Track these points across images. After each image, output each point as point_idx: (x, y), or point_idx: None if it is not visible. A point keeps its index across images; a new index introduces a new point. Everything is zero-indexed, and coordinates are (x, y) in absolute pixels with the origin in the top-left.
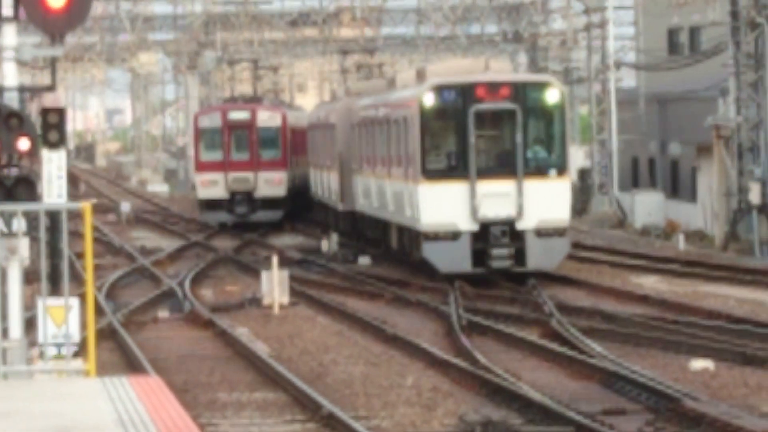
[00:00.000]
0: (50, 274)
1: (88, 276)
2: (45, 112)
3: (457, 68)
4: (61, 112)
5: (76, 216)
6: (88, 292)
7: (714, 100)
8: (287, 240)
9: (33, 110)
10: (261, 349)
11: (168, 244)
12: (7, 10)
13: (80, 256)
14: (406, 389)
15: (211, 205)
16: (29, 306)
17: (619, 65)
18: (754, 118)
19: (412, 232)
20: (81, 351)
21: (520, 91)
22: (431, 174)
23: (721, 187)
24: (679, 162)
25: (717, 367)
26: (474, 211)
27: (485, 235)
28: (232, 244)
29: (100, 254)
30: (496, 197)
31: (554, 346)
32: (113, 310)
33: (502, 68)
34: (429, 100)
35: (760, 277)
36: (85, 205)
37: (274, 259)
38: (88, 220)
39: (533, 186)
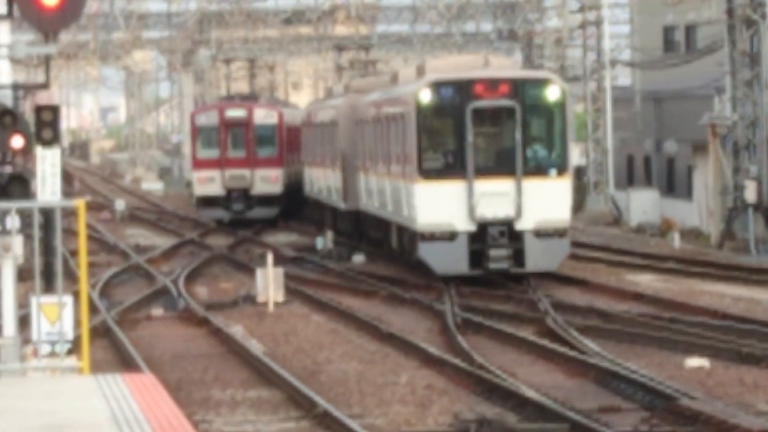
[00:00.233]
0: (44, 272)
1: (82, 273)
2: (39, 109)
3: (458, 64)
4: (55, 110)
5: (70, 214)
6: (81, 289)
7: (709, 98)
8: (282, 238)
9: (27, 108)
10: (255, 346)
11: (162, 241)
12: (1, 8)
13: (74, 253)
14: (401, 387)
15: (207, 202)
16: (23, 303)
17: (614, 63)
18: (749, 116)
19: (409, 232)
20: (75, 348)
21: (519, 87)
22: (428, 173)
23: (716, 185)
24: (674, 160)
25: (712, 365)
26: (471, 210)
27: (483, 236)
28: (227, 241)
29: (94, 252)
30: (495, 197)
31: (549, 344)
32: (107, 308)
33: (504, 64)
34: (426, 96)
35: (755, 275)
36: (79, 203)
37: (269, 257)
38: (82, 217)
39: (533, 185)
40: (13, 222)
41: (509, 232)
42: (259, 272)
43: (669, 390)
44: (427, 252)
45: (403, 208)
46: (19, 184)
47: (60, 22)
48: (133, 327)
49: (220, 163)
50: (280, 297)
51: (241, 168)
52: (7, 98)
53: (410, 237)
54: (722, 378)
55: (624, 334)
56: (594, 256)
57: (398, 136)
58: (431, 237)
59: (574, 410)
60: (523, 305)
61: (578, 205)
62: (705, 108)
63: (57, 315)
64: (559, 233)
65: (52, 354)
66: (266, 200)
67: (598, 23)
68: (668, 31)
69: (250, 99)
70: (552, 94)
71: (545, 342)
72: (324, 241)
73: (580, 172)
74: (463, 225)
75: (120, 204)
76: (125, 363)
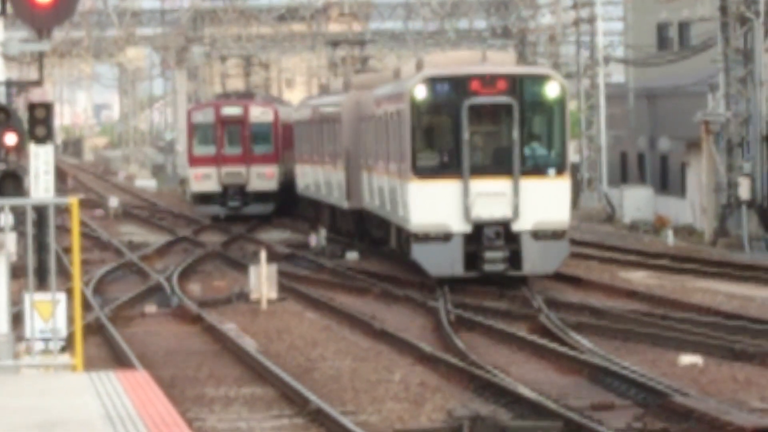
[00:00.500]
0: (37, 269)
1: (75, 271)
2: (32, 107)
3: (457, 59)
4: (48, 107)
5: (63, 211)
6: (75, 286)
7: (703, 95)
8: (275, 235)
9: (20, 105)
10: (249, 344)
11: (156, 239)
12: None
13: (67, 251)
14: (394, 384)
15: (204, 198)
16: (16, 301)
17: (608, 60)
18: (743, 113)
19: (404, 232)
20: (68, 346)
21: (517, 84)
22: (422, 171)
23: (710, 183)
24: (668, 157)
25: (706, 363)
26: (467, 211)
27: (478, 237)
28: (220, 239)
29: (87, 249)
30: (491, 197)
31: (543, 342)
32: (101, 305)
33: (504, 60)
34: (421, 93)
35: (749, 273)
36: (73, 200)
37: (262, 254)
38: (76, 215)
39: (530, 185)
40: (6, 219)
41: (506, 234)
42: (252, 269)
43: (662, 387)
44: (420, 253)
45: (399, 208)
46: (12, 181)
47: (53, 19)
48: (126, 324)
49: (217, 160)
50: (274, 294)
51: (237, 165)
52: (0, 95)
53: (405, 237)
54: (715, 375)
55: (617, 331)
56: (587, 254)
57: (395, 134)
58: (425, 238)
59: (568, 407)
60: (517, 302)
61: (572, 203)
62: (698, 105)
63: (50, 312)
64: (557, 235)
65: (46, 351)
66: (262, 196)
67: (591, 20)
68: (662, 28)
69: (246, 97)
70: (551, 90)
71: (539, 339)
72: (318, 239)
73: (573, 170)
74: (458, 226)
75: (113, 201)
76: (119, 360)
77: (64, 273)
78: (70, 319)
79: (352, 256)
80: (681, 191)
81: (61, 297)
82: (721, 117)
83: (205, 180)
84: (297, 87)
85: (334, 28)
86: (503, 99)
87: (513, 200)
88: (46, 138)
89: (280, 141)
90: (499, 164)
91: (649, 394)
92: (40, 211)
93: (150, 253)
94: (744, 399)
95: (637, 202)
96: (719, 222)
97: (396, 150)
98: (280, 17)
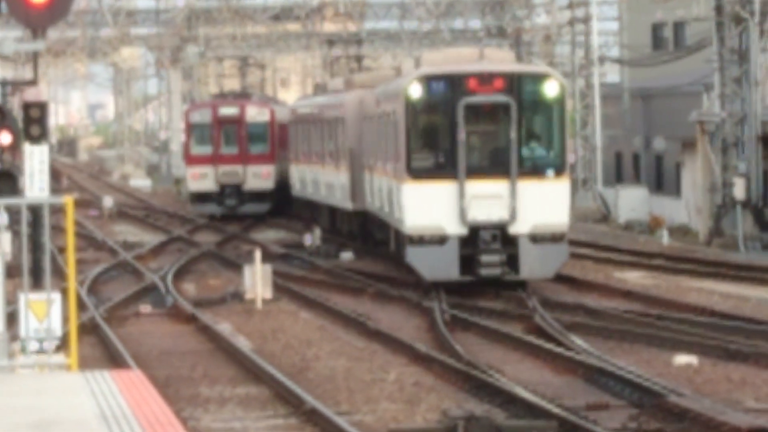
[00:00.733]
0: (32, 269)
1: (70, 270)
2: (27, 106)
3: (455, 57)
4: (43, 107)
5: (58, 210)
6: (70, 286)
7: (698, 95)
8: (270, 235)
9: (15, 104)
10: (243, 343)
11: (150, 238)
12: None
13: (62, 250)
14: (389, 384)
15: (201, 197)
16: (11, 300)
17: (603, 60)
18: (738, 113)
19: (399, 235)
20: (63, 345)
21: (515, 83)
22: (417, 172)
23: (705, 183)
24: (663, 157)
25: (701, 363)
26: (463, 213)
27: (475, 240)
28: (215, 238)
29: (82, 249)
30: (487, 199)
31: (538, 341)
32: (95, 305)
33: (504, 58)
34: (415, 91)
35: (744, 273)
36: (68, 200)
37: (257, 254)
38: (71, 214)
39: (528, 187)
40: (1, 218)
41: (502, 237)
42: (247, 269)
43: (657, 387)
44: (415, 257)
45: (395, 210)
46: (7, 181)
47: (48, 18)
48: (121, 324)
49: (214, 160)
50: (268, 294)
51: (234, 164)
52: None
53: (400, 240)
54: (710, 375)
55: (612, 331)
56: (582, 253)
57: (391, 134)
58: (420, 241)
59: (563, 407)
60: (512, 302)
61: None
62: (693, 105)
63: (45, 312)
64: (556, 238)
65: (41, 351)
66: (258, 196)
67: (586, 20)
68: (657, 28)
69: (242, 97)
70: (550, 89)
71: (533, 339)
72: (312, 238)
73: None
74: (454, 228)
75: (108, 201)
76: (113, 360)
77: (59, 272)
78: (65, 319)
79: (346, 256)
80: (676, 191)
81: (56, 296)
82: (716, 117)
83: (202, 179)
84: (292, 87)
85: (329, 27)
86: (500, 98)
87: (510, 202)
88: (41, 137)
89: (276, 141)
90: (496, 165)
91: (644, 394)
92: (35, 210)
93: (145, 253)
94: (739, 399)
95: (632, 202)
96: (714, 222)
97: (392, 150)
98: (275, 17)
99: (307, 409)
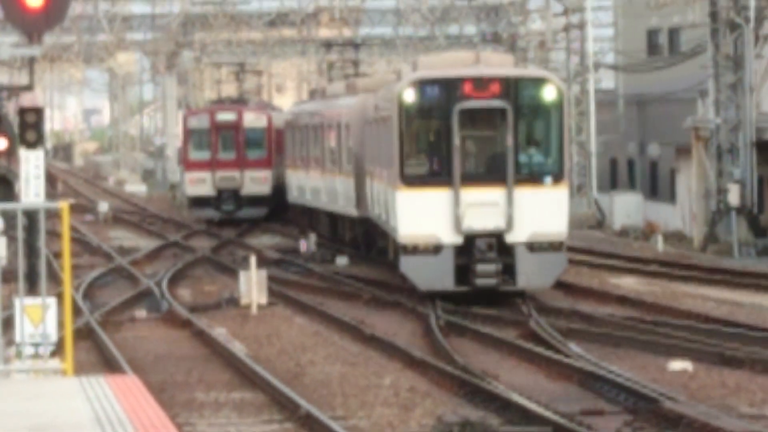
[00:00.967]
0: (28, 274)
1: (66, 275)
2: (23, 111)
3: (452, 60)
4: (39, 112)
5: (53, 216)
6: (65, 291)
7: (693, 101)
8: (265, 240)
9: (11, 110)
10: (239, 348)
11: (146, 243)
12: None
13: (58, 255)
14: (384, 389)
15: (198, 202)
16: (6, 305)
17: (598, 66)
18: (733, 119)
19: (394, 243)
20: (58, 350)
21: (512, 87)
22: (410, 179)
23: (699, 189)
24: (657, 163)
25: (695, 368)
26: (458, 221)
27: (470, 249)
28: (210, 244)
29: (77, 254)
30: (483, 206)
31: (532, 347)
32: (91, 310)
33: (503, 61)
34: (409, 96)
35: (738, 279)
36: (63, 205)
37: (252, 259)
38: (66, 219)
39: (526, 194)
40: None
41: (499, 246)
42: (242, 274)
43: (652, 393)
44: (409, 266)
45: (390, 218)
46: (2, 186)
47: (44, 24)
48: (116, 329)
49: (211, 165)
50: (264, 299)
51: (232, 169)
52: None
53: (395, 249)
54: (705, 381)
55: (607, 337)
56: (577, 259)
57: (386, 139)
58: (414, 250)
59: (557, 413)
60: (507, 308)
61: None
62: (688, 111)
63: (40, 317)
64: (554, 247)
65: (36, 356)
66: (255, 200)
67: (581, 26)
68: (652, 35)
69: (240, 102)
70: (548, 94)
71: (529, 345)
72: (307, 244)
73: None
74: (449, 237)
75: (103, 206)
76: (109, 365)
77: (55, 278)
78: (61, 324)
79: (342, 261)
80: (671, 197)
81: (52, 302)
82: (711, 123)
83: (200, 184)
84: (287, 92)
85: (325, 33)
86: (496, 103)
87: (507, 210)
88: (37, 142)
89: (273, 146)
90: (492, 172)
91: (639, 400)
92: (31, 215)
93: (140, 258)
94: (734, 405)
95: (626, 208)
96: (709, 228)
97: (387, 156)
98: (270, 22)
99: (302, 415)
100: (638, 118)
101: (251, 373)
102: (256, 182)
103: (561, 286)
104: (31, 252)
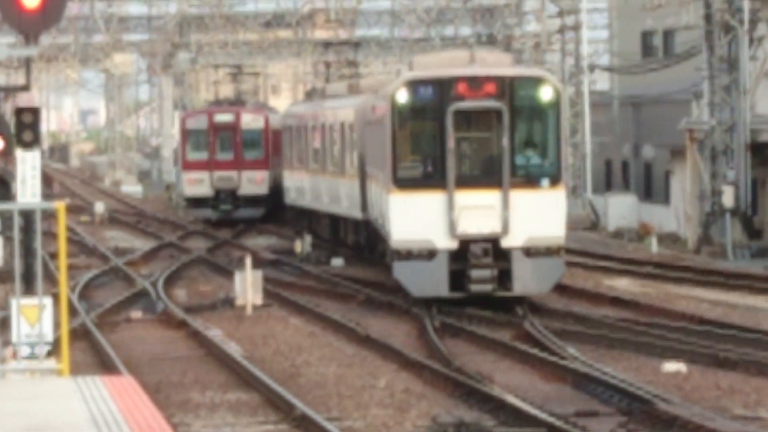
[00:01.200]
0: (24, 274)
1: (62, 276)
2: (19, 111)
3: (448, 60)
4: (35, 112)
5: (49, 216)
6: (61, 291)
7: (688, 103)
8: (261, 241)
9: (7, 110)
10: (234, 349)
11: (141, 244)
12: None
13: (54, 256)
14: (379, 390)
15: (196, 202)
16: (3, 305)
17: (592, 68)
18: (727, 121)
19: (387, 248)
20: (54, 351)
21: (507, 87)
22: (403, 182)
23: (694, 190)
24: (652, 165)
25: (689, 370)
26: (452, 226)
27: (465, 254)
28: (206, 244)
29: (73, 254)
30: (478, 210)
31: (527, 348)
32: (86, 310)
33: (500, 60)
34: (402, 97)
35: (732, 280)
36: (59, 205)
37: (248, 260)
38: (62, 220)
39: (522, 197)
40: None
41: (494, 251)
42: (237, 275)
43: (646, 394)
44: (402, 272)
45: (385, 221)
46: None
47: (41, 24)
48: (112, 329)
49: (209, 165)
50: (259, 300)
51: (229, 170)
52: None
53: (389, 253)
54: (699, 382)
55: (601, 338)
56: (571, 260)
57: (380, 141)
58: (407, 255)
59: (552, 414)
60: (502, 309)
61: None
62: (683, 113)
63: (36, 317)
64: (551, 251)
65: (32, 356)
66: (252, 201)
67: (576, 28)
68: (647, 36)
69: (237, 104)
70: (544, 94)
71: (523, 346)
72: (302, 245)
73: None
74: (443, 242)
75: (99, 207)
76: (104, 365)
77: (51, 278)
78: (56, 324)
79: (337, 262)
80: (665, 199)
81: (48, 302)
82: (706, 125)
83: (198, 184)
84: (282, 93)
85: (321, 34)
86: (491, 103)
87: (502, 214)
88: (33, 143)
89: (270, 147)
90: (487, 174)
91: (632, 401)
92: (27, 216)
93: (136, 259)
94: (727, 406)
95: (621, 209)
96: (703, 230)
97: (380, 159)
98: (267, 23)
99: (298, 415)
100: (633, 119)
101: (246, 373)
102: (253, 183)
103: (555, 287)
104: (28, 252)
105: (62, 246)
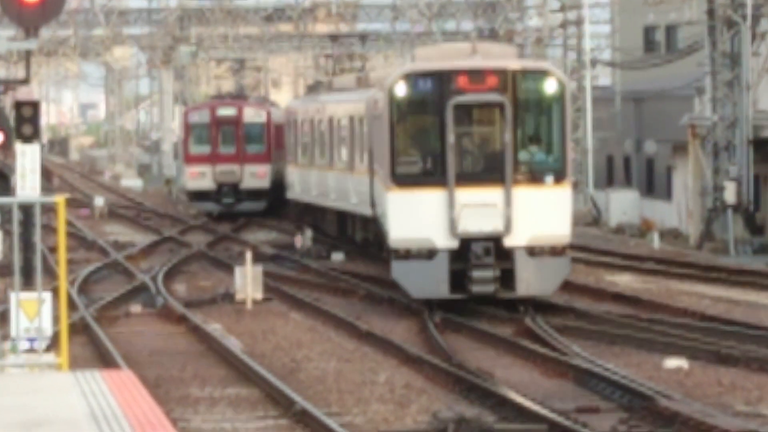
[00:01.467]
0: (23, 268)
1: (61, 270)
2: (19, 105)
3: (450, 52)
4: (35, 106)
5: (49, 210)
6: (60, 286)
7: (690, 98)
8: (261, 236)
9: (7, 104)
10: (234, 344)
11: (141, 238)
12: None
13: (53, 250)
14: (380, 386)
15: (198, 195)
16: (2, 300)
17: (594, 63)
18: (729, 116)
19: (386, 247)
20: (53, 345)
21: (510, 80)
22: (402, 179)
23: (696, 186)
24: (654, 160)
25: (691, 366)
26: (452, 224)
27: (466, 254)
28: (206, 239)
29: (73, 248)
30: (480, 208)
31: (528, 344)
32: (86, 305)
33: (504, 52)
34: (401, 90)
35: (734, 276)
36: (59, 199)
37: (248, 255)
38: (62, 214)
39: (525, 194)
40: None
41: (497, 250)
42: (238, 270)
43: (647, 390)
44: (401, 272)
45: (384, 220)
46: None
47: (41, 17)
48: (111, 324)
49: (211, 159)
50: (259, 295)
51: (231, 163)
52: None
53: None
54: (701, 379)
55: (603, 335)
56: (573, 257)
57: (379, 136)
58: (406, 255)
59: (553, 410)
60: (503, 305)
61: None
62: (685, 108)
63: (36, 311)
64: (556, 251)
65: (31, 350)
66: (254, 194)
67: (578, 23)
68: (649, 32)
69: (239, 98)
70: (548, 87)
71: (524, 342)
72: (303, 240)
73: None
74: (443, 241)
75: (99, 200)
76: (104, 360)
77: (50, 272)
78: (56, 319)
79: (337, 257)
80: (667, 195)
81: (47, 296)
82: (708, 120)
83: (200, 178)
84: (283, 87)
85: (322, 28)
86: (493, 97)
87: (505, 212)
88: (33, 136)
89: (272, 141)
90: (489, 171)
91: (634, 398)
92: (27, 209)
93: (135, 253)
94: (729, 402)
95: (623, 205)
96: (705, 225)
97: (380, 154)
98: (267, 17)
99: (298, 411)
100: (635, 115)
101: (246, 368)
102: (255, 177)
103: None
104: (27, 246)
105: (62, 240)
